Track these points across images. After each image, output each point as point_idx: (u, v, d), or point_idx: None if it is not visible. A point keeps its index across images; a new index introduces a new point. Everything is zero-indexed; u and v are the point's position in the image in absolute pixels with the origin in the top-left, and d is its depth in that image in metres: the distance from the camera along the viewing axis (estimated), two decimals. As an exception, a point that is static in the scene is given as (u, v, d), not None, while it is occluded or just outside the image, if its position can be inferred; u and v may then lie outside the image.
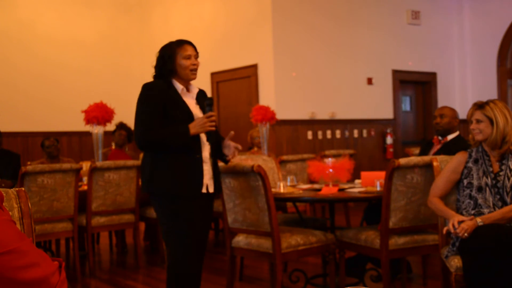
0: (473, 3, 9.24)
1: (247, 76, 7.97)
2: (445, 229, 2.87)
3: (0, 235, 1.07)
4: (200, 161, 2.89)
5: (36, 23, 8.75)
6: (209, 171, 2.94)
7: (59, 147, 5.47)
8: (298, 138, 7.78)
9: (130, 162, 4.81)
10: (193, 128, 2.83)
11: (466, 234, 2.71)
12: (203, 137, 2.93)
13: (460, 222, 2.75)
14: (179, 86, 2.91)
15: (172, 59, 2.88)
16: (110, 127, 5.91)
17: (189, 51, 2.89)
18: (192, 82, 3.00)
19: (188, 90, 2.99)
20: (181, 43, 2.92)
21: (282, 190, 3.68)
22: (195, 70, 2.92)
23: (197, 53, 2.93)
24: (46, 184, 4.29)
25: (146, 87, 2.89)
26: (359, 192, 3.53)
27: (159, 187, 2.87)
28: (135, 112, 2.89)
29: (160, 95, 2.84)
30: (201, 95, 3.05)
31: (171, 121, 2.85)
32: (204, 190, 2.91)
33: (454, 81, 9.47)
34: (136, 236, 4.98)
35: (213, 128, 2.87)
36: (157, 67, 2.93)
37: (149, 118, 2.83)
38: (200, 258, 2.95)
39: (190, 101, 2.95)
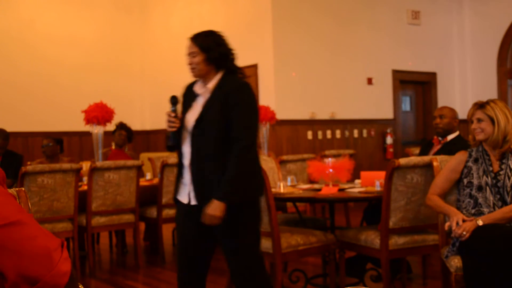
0: (473, 3, 9.24)
1: (247, 76, 7.96)
2: (446, 224, 2.86)
3: (2, 207, 1.06)
4: (181, 167, 2.70)
5: (36, 22, 8.75)
6: (188, 180, 2.64)
7: (59, 147, 5.47)
8: (298, 138, 7.78)
9: (130, 162, 4.81)
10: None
11: (465, 234, 2.71)
12: (185, 141, 2.66)
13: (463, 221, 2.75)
14: (197, 85, 2.71)
15: None
16: (110, 127, 5.90)
17: (188, 49, 2.66)
18: (206, 78, 2.68)
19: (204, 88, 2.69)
20: None
21: (282, 190, 3.68)
22: (191, 68, 2.64)
23: (193, 50, 2.62)
24: (46, 184, 4.28)
25: None
26: (359, 192, 3.53)
27: None
28: None
29: (182, 97, 2.77)
30: (220, 92, 2.64)
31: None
32: (184, 200, 2.69)
33: (454, 81, 9.46)
34: (136, 236, 4.98)
35: (173, 129, 2.63)
36: None
37: None
38: (185, 274, 2.79)
39: (200, 100, 2.67)
